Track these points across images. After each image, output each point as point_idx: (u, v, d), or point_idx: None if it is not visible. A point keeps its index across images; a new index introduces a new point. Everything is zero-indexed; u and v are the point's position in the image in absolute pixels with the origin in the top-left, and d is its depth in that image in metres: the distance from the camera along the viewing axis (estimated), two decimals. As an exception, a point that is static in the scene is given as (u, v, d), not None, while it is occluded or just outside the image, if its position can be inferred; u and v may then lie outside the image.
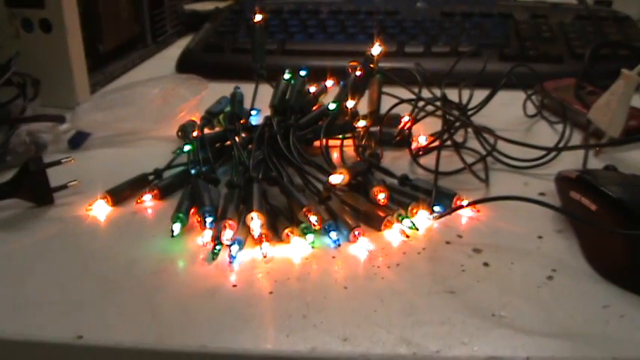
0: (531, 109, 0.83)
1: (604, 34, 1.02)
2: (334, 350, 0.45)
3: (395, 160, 0.71)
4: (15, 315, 0.49)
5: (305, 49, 1.02)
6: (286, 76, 0.77)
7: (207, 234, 0.57)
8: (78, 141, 0.76)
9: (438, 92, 0.77)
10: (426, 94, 0.77)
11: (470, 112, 0.75)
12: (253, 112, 0.78)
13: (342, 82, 0.76)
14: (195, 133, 0.71)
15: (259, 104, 0.78)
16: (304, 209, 0.57)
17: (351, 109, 0.71)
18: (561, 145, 0.72)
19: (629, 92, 0.70)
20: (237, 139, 0.70)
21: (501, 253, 0.55)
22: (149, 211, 0.64)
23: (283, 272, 0.53)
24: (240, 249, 0.55)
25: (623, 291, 0.51)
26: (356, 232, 0.57)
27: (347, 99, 0.72)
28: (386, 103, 0.74)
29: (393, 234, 0.58)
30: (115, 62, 1.01)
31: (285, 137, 0.68)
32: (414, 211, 0.60)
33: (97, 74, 0.95)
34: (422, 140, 0.73)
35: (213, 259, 0.55)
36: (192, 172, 0.65)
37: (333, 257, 0.55)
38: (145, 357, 0.47)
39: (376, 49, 0.73)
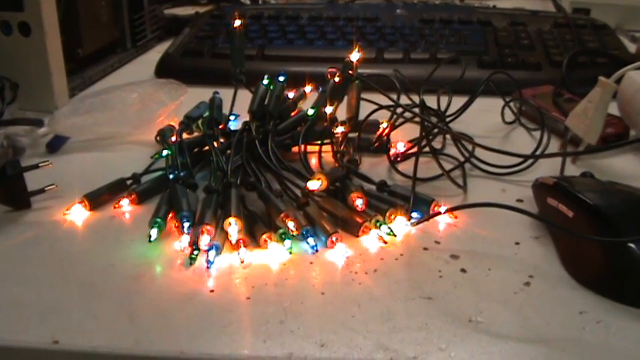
0: (509, 116, 0.84)
1: (582, 42, 1.03)
2: (311, 356, 0.45)
3: (373, 166, 0.72)
4: (-10, 320, 0.49)
5: (284, 54, 1.02)
6: (265, 81, 0.77)
7: (185, 239, 0.57)
8: (56, 145, 0.76)
9: (416, 99, 0.77)
10: (404, 100, 0.78)
11: (448, 119, 0.76)
12: (232, 118, 0.78)
13: (320, 88, 0.76)
14: (173, 138, 0.71)
15: (238, 109, 0.78)
16: (282, 215, 0.57)
17: (329, 115, 0.72)
18: (539, 152, 0.72)
19: (606, 100, 0.70)
20: (215, 144, 0.70)
21: (479, 260, 0.56)
22: (127, 215, 0.63)
23: (261, 278, 0.53)
24: (218, 254, 0.55)
25: (599, 297, 0.51)
26: (334, 238, 0.57)
27: (326, 105, 0.72)
28: (364, 110, 0.74)
29: (371, 240, 0.58)
30: (94, 66, 1.00)
31: (263, 143, 0.69)
32: (392, 217, 0.60)
33: (76, 78, 0.94)
34: (400, 146, 0.73)
35: (191, 264, 0.55)
36: (171, 177, 0.65)
37: (311, 263, 0.55)
38: (121, 362, 0.47)
39: (355, 56, 0.74)
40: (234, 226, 0.56)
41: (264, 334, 0.47)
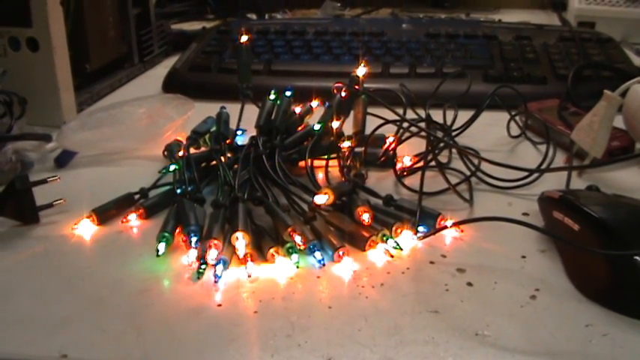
0: (515, 130, 0.84)
1: (587, 56, 1.03)
2: (318, 369, 0.46)
3: (379, 181, 0.72)
4: (-1, 333, 0.49)
5: (291, 69, 1.02)
6: (272, 96, 0.77)
7: (193, 253, 0.57)
8: (64, 160, 0.76)
9: (422, 113, 0.77)
10: (410, 114, 0.78)
11: (454, 133, 0.76)
12: (239, 132, 0.79)
13: (327, 103, 0.77)
14: (181, 153, 0.72)
15: (245, 124, 0.78)
16: (289, 229, 0.57)
17: (336, 129, 0.72)
18: (545, 165, 0.72)
19: (611, 113, 0.70)
20: (222, 158, 0.70)
21: (485, 273, 0.56)
22: (135, 230, 0.64)
23: (268, 292, 0.53)
24: (225, 268, 0.56)
25: (605, 310, 0.51)
26: (340, 252, 0.57)
27: (332, 119, 0.72)
28: (371, 124, 0.74)
29: (378, 254, 0.58)
30: (102, 81, 1.01)
31: (270, 157, 0.69)
32: (399, 231, 0.60)
33: (84, 93, 0.95)
34: (406, 161, 0.73)
35: (199, 278, 0.55)
36: (178, 191, 0.66)
37: (318, 277, 0.55)
38: (129, 376, 0.47)
39: (361, 70, 0.74)
40: (241, 241, 0.56)
41: (272, 348, 0.47)
